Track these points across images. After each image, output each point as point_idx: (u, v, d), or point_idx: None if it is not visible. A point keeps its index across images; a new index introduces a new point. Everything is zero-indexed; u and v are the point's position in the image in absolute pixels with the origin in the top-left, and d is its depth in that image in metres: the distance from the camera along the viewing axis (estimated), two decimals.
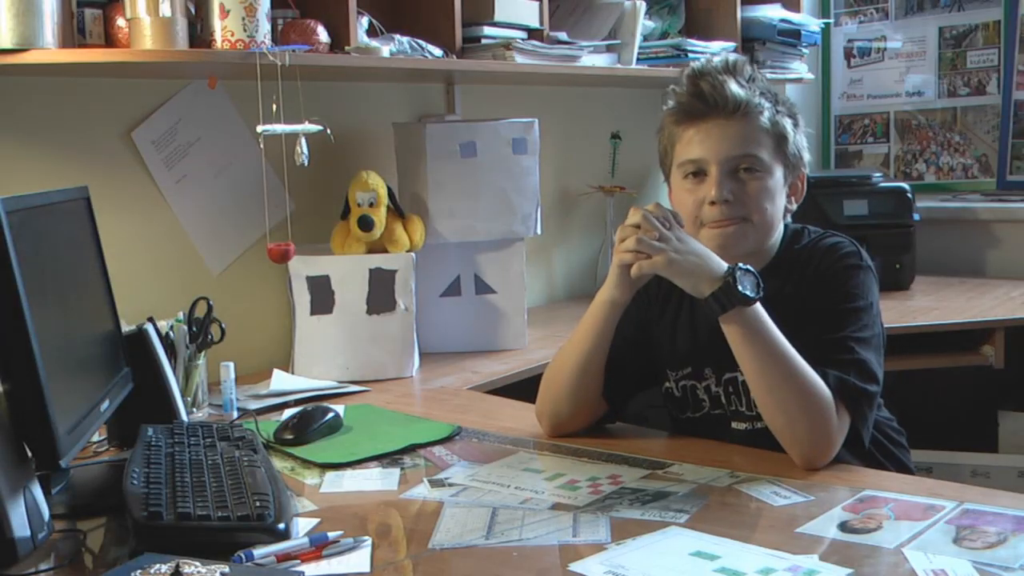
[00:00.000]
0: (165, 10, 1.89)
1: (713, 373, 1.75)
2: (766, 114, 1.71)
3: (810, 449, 1.56)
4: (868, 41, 3.89)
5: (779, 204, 1.74)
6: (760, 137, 1.71)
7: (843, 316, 1.65)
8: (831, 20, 3.88)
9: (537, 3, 2.63)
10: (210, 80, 2.24)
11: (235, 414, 2.00)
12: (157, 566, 1.16)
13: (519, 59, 2.51)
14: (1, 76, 1.97)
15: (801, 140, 1.77)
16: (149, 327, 1.86)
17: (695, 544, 1.29)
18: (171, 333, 1.97)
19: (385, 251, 2.35)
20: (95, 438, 1.81)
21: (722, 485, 1.51)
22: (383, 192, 2.34)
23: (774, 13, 3.28)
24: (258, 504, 1.35)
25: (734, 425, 1.75)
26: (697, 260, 1.60)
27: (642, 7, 2.90)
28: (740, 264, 1.59)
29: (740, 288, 1.56)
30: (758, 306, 1.59)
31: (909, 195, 3.16)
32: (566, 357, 1.75)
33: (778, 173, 1.73)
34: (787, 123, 1.74)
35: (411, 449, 1.75)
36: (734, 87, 1.70)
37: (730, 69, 1.73)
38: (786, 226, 1.80)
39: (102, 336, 1.71)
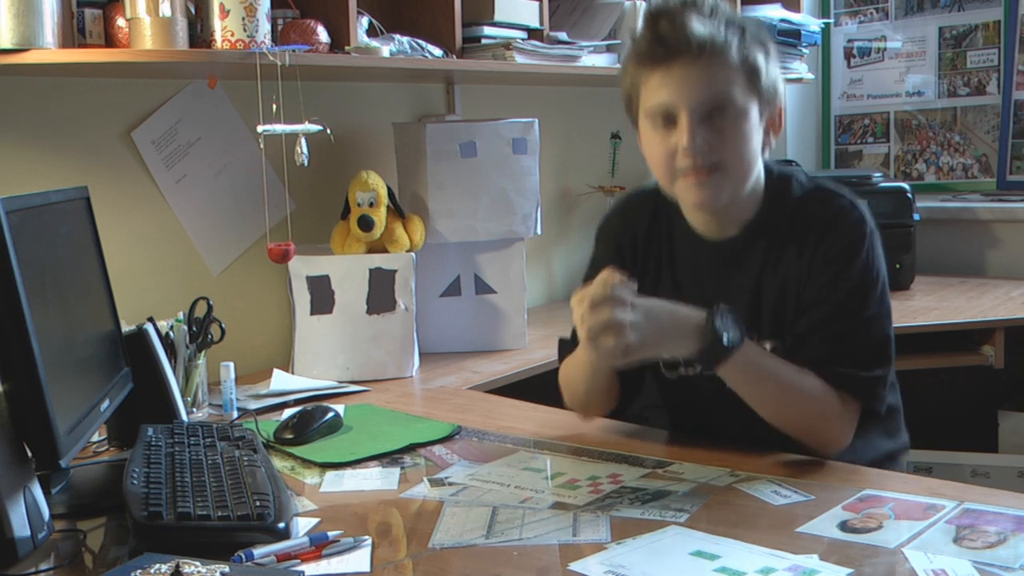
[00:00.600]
0: (165, 10, 1.89)
1: None
2: (734, 49, 1.56)
3: (821, 448, 1.60)
4: (868, 41, 3.89)
5: (755, 145, 1.61)
6: (730, 76, 1.56)
7: (852, 299, 1.60)
8: (831, 20, 3.88)
9: (537, 3, 2.63)
10: (210, 80, 2.25)
11: (235, 414, 2.00)
12: (157, 566, 1.16)
13: (519, 59, 2.51)
14: (1, 76, 1.97)
15: (775, 70, 1.62)
16: (149, 327, 1.86)
17: (695, 544, 1.29)
18: (171, 333, 1.97)
19: (385, 251, 2.34)
20: (95, 438, 1.81)
21: (722, 484, 1.51)
22: (383, 192, 2.34)
23: (774, 13, 3.28)
24: (258, 504, 1.35)
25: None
26: (669, 328, 1.52)
27: (642, 7, 2.89)
28: (715, 306, 1.52)
29: (724, 341, 1.50)
30: (746, 343, 1.54)
31: (909, 195, 3.16)
32: (574, 379, 1.76)
33: (753, 111, 1.59)
34: (758, 55, 1.59)
35: (411, 449, 1.75)
36: (696, 25, 1.54)
37: (690, 3, 1.57)
38: (771, 171, 1.69)
39: (102, 336, 1.71)
